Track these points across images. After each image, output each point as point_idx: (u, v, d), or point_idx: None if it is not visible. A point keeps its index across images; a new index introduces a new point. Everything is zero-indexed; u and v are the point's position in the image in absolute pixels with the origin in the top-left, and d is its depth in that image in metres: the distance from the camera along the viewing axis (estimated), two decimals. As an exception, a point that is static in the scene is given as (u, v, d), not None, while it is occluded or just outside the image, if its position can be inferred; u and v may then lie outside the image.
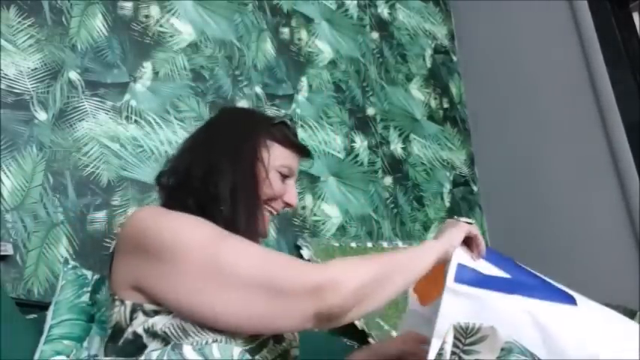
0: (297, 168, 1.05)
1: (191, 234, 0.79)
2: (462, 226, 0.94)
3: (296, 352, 0.93)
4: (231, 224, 0.87)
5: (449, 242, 0.91)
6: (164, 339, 0.77)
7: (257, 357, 0.81)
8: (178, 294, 0.77)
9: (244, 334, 0.79)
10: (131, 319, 0.81)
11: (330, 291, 0.73)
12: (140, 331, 0.79)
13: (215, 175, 0.91)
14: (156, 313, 0.80)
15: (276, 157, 0.98)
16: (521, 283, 0.90)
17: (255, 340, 0.81)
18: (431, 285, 0.97)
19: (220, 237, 0.80)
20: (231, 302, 0.75)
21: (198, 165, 0.93)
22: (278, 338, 0.86)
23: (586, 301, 0.92)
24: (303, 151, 1.05)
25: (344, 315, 0.75)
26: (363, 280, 0.76)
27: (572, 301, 0.89)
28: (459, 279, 0.88)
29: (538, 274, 0.96)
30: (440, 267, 0.90)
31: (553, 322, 0.84)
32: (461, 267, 0.90)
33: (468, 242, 0.95)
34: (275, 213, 1.01)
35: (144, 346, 0.77)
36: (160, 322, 0.78)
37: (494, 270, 0.92)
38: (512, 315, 0.84)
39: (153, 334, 0.78)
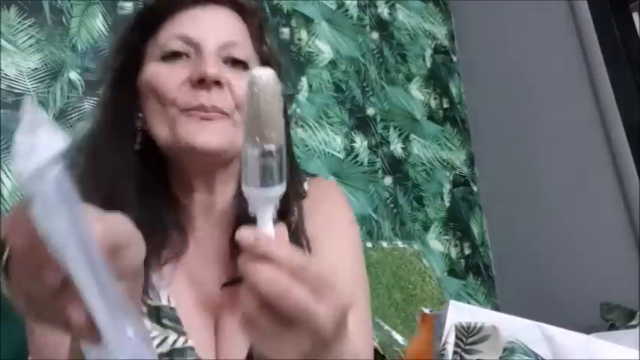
0: (205, 29, 0.67)
1: None
2: None
3: None
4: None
5: None
6: None
7: None
8: None
9: None
10: None
11: None
12: None
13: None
14: None
15: (155, 46, 0.68)
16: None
17: None
18: None
19: None
20: None
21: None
22: None
23: None
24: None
25: None
26: None
27: None
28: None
29: None
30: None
31: (563, 336, 0.82)
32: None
33: None
34: (205, 109, 0.64)
35: None
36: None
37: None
38: (521, 328, 0.81)
39: None
